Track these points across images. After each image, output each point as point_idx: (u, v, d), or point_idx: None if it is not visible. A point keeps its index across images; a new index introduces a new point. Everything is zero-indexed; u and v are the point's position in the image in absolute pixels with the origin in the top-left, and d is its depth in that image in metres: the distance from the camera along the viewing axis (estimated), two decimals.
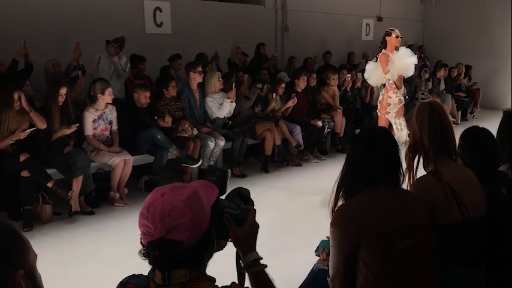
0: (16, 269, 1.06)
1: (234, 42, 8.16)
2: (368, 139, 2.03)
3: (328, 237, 2.20)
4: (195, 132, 6.01)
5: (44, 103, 5.11)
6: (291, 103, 7.02)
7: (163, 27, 7.99)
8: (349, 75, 8.31)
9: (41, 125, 4.76)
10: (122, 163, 5.25)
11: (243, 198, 1.54)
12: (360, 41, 11.65)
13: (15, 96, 4.60)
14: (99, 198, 5.25)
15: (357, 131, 8.05)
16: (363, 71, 9.01)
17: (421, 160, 2.29)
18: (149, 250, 1.29)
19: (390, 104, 5.46)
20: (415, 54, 6.24)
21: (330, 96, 7.79)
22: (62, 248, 4.23)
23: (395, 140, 2.03)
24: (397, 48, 5.49)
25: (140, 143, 5.60)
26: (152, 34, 7.84)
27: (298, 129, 7.02)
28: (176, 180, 5.97)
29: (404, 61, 5.45)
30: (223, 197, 1.50)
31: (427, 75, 9.95)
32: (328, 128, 7.54)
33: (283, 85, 7.17)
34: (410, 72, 5.60)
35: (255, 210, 1.49)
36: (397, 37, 5.48)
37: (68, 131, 4.97)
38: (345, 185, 1.99)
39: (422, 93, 9.69)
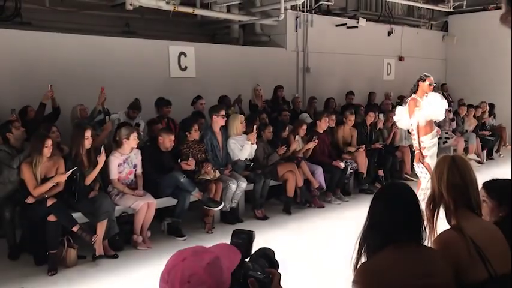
0: None
1: (254, 85, 8.32)
2: (388, 195, 2.04)
3: None
4: (218, 174, 6.07)
5: (71, 148, 5.25)
6: (311, 144, 7.05)
7: (187, 70, 8.22)
8: (372, 114, 8.31)
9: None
10: (145, 206, 5.32)
11: (267, 259, 1.54)
12: (381, 80, 11.71)
13: (48, 143, 4.76)
14: (123, 241, 5.29)
15: (380, 171, 7.99)
16: (384, 111, 9.08)
17: (442, 213, 2.27)
18: None
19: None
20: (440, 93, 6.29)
21: (347, 136, 7.81)
22: None
23: (416, 196, 2.03)
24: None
25: (163, 186, 5.67)
26: (177, 78, 8.07)
27: (320, 171, 7.01)
28: (198, 222, 6.01)
29: (435, 106, 5.47)
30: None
31: (451, 115, 9.87)
32: (350, 169, 7.51)
33: (304, 126, 7.22)
34: (440, 117, 5.65)
35: (279, 274, 1.48)
36: (430, 85, 5.57)
37: (63, 178, 4.87)
38: (367, 242, 1.98)
39: (446, 133, 9.60)
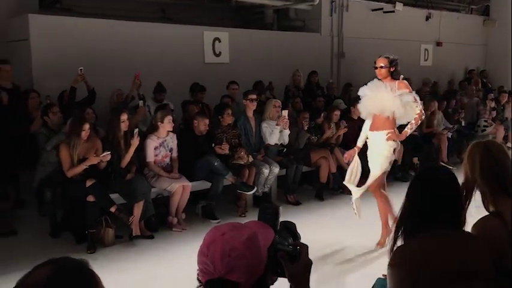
0: None
1: (294, 70, 8.29)
2: (429, 179, 2.00)
3: (384, 275, 2.17)
4: (251, 159, 6.10)
5: (108, 131, 5.39)
6: (341, 131, 7.00)
7: (221, 56, 8.25)
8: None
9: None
10: (180, 189, 5.42)
11: (290, 232, 1.53)
12: (418, 66, 11.43)
13: (86, 126, 4.90)
14: (158, 222, 5.42)
15: (415, 159, 7.84)
16: (422, 98, 8.86)
17: (475, 200, 2.23)
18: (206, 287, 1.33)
19: None
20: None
21: None
22: (123, 271, 4.38)
23: (458, 181, 2.00)
24: None
25: (198, 170, 5.76)
26: (211, 63, 8.11)
27: None
28: (231, 206, 6.08)
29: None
30: None
31: (493, 104, 9.52)
32: None
33: (337, 112, 7.15)
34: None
35: (307, 246, 1.48)
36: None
37: (95, 160, 4.95)
38: (404, 225, 1.97)
39: (485, 121, 9.32)
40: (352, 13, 10.00)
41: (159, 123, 5.53)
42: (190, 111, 6.41)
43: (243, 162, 6.01)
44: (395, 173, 7.61)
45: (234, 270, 1.28)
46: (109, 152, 4.97)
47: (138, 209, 5.05)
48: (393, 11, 10.48)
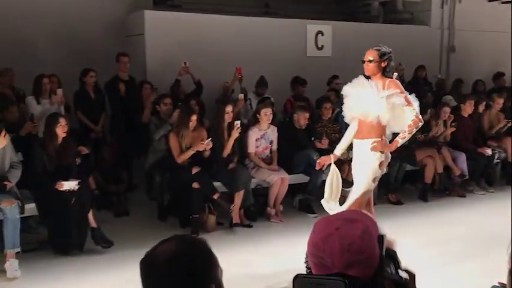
0: (211, 283, 1.20)
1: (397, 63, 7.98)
2: None
3: (501, 283, 2.00)
4: (351, 155, 5.96)
5: (213, 121, 5.61)
6: (449, 130, 6.60)
7: (324, 50, 8.17)
8: None
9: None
10: (279, 181, 5.48)
11: (393, 260, 1.44)
12: None
13: (193, 117, 5.15)
14: (257, 212, 5.54)
15: None
16: None
17: None
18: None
19: None
20: None
21: (493, 120, 7.09)
22: (223, 258, 4.51)
23: None
24: None
25: (297, 163, 5.78)
26: (312, 57, 8.07)
27: (463, 157, 6.54)
28: None
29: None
30: None
31: None
32: (497, 158, 6.85)
33: (447, 109, 6.75)
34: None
35: (414, 274, 1.42)
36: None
37: (200, 147, 5.14)
38: None
39: None
40: (465, 4, 9.35)
41: (258, 115, 5.63)
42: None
43: (343, 158, 5.90)
44: (508, 176, 7.01)
45: (353, 265, 1.27)
46: (210, 139, 5.15)
47: (238, 197, 5.20)
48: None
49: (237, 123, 5.37)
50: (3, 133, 4.19)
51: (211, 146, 5.18)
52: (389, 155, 3.93)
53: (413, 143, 6.55)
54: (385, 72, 3.81)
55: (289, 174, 5.62)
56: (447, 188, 6.53)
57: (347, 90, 3.92)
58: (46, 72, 5.80)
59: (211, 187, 5.11)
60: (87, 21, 7.09)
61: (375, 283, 1.31)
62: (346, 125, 6.12)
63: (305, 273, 1.50)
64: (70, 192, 4.38)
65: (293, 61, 7.74)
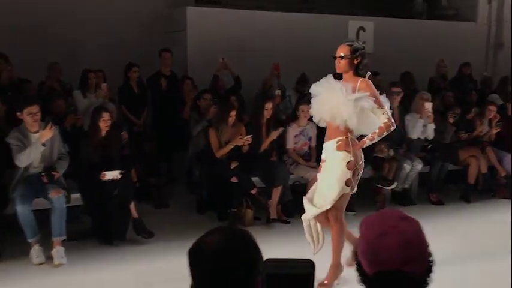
0: (259, 276, 1.23)
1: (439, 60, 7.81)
2: None
3: None
4: (391, 153, 5.89)
5: (252, 117, 5.64)
6: (494, 130, 6.40)
7: (365, 46, 8.02)
8: None
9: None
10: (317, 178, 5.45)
11: None
12: None
13: (233, 113, 5.20)
14: (294, 209, 5.52)
15: None
16: None
17: None
18: (375, 278, 1.32)
19: None
20: None
21: None
22: None
23: None
24: None
25: None
26: None
27: (508, 158, 6.33)
28: (369, 199, 5.93)
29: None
30: None
31: None
32: None
33: (492, 107, 6.53)
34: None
35: None
36: None
37: (239, 142, 5.20)
38: None
39: None
40: None
41: (299, 112, 5.62)
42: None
43: (383, 156, 5.83)
44: None
45: (409, 262, 1.29)
46: (251, 135, 5.20)
47: (276, 193, 5.21)
48: None
49: (280, 130, 5.40)
50: (49, 125, 4.34)
51: (250, 142, 5.21)
52: (361, 156, 3.61)
53: (456, 142, 6.40)
54: (357, 70, 3.53)
55: None
56: (492, 189, 6.33)
57: (315, 89, 3.64)
58: (92, 67, 5.99)
59: (249, 182, 5.15)
60: (131, 18, 7.27)
61: (426, 280, 1.32)
62: None
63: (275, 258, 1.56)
64: (113, 181, 4.51)
65: (333, 57, 7.65)
